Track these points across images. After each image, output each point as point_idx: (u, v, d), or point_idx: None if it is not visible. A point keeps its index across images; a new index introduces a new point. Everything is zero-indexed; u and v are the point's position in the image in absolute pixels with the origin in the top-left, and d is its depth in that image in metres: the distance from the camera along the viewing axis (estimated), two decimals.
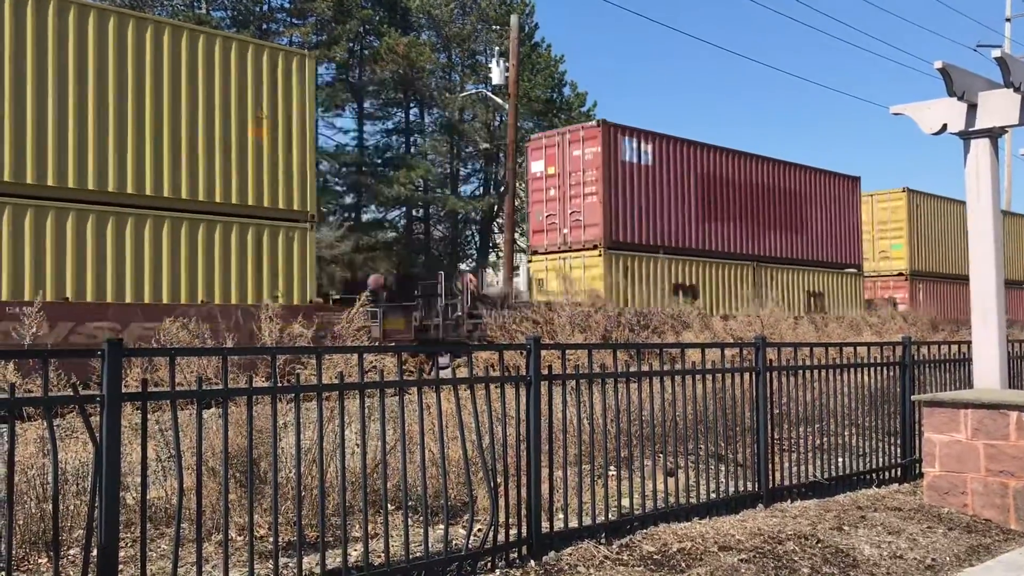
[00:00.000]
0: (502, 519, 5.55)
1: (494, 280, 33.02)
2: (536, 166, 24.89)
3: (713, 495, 7.12)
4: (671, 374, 6.85)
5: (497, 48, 39.10)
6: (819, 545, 6.20)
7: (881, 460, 8.69)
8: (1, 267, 13.67)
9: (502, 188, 34.48)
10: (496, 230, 44.12)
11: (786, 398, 8.06)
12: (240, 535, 5.61)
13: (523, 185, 31.55)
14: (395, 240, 42.75)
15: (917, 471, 8.73)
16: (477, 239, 46.81)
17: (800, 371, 8.05)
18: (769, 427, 7.53)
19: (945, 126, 8.24)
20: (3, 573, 4.55)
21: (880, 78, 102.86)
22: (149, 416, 4.40)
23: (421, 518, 5.33)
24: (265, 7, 44.21)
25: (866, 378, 8.69)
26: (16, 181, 13.95)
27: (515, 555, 5.59)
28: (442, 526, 5.44)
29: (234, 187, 16.39)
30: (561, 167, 23.98)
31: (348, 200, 43.76)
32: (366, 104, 46.24)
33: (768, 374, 7.59)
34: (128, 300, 14.75)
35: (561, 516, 5.99)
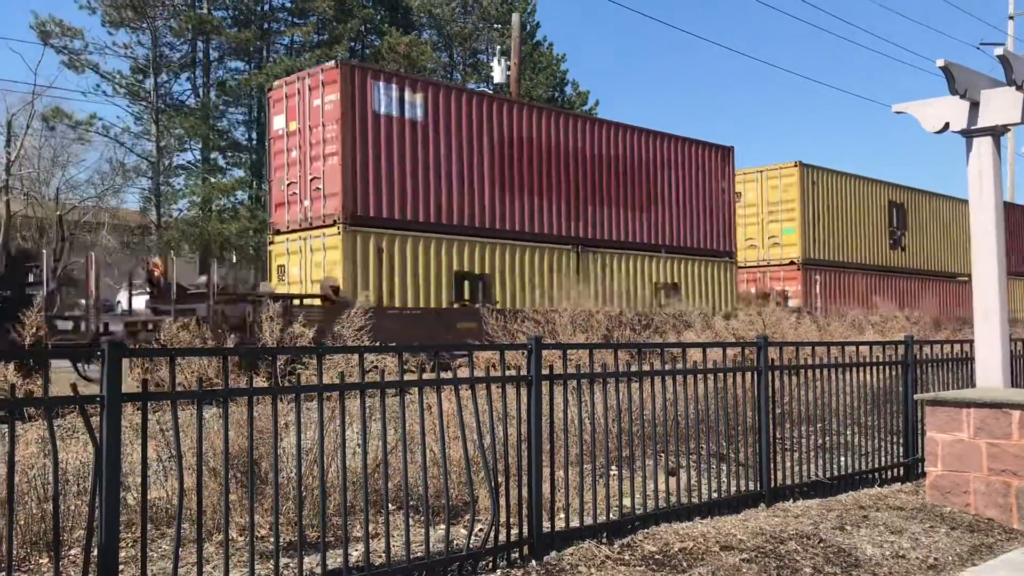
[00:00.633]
0: (503, 519, 5.55)
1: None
2: (278, 121, 19.54)
3: (715, 495, 7.10)
4: (672, 373, 6.84)
5: (499, 47, 39.11)
6: (821, 545, 6.18)
7: (883, 459, 8.68)
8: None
9: None
10: None
11: (788, 397, 8.04)
12: (241, 535, 5.61)
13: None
14: None
15: (920, 470, 8.72)
16: None
17: (802, 370, 8.03)
18: (771, 426, 7.52)
19: (947, 124, 8.22)
20: (4, 573, 4.54)
21: (883, 76, 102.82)
22: (150, 416, 4.40)
23: (422, 518, 5.33)
24: (266, 7, 44.22)
25: (868, 377, 8.68)
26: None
27: (516, 555, 5.59)
28: (443, 526, 5.43)
29: None
30: (302, 121, 18.78)
31: None
32: None
33: (770, 373, 7.57)
34: None
35: (562, 516, 5.98)
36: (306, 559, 4.86)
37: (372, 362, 6.82)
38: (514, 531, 5.62)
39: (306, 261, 18.66)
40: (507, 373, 5.74)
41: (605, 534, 6.02)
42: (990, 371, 8.02)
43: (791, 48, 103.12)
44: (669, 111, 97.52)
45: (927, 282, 34.15)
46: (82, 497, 5.58)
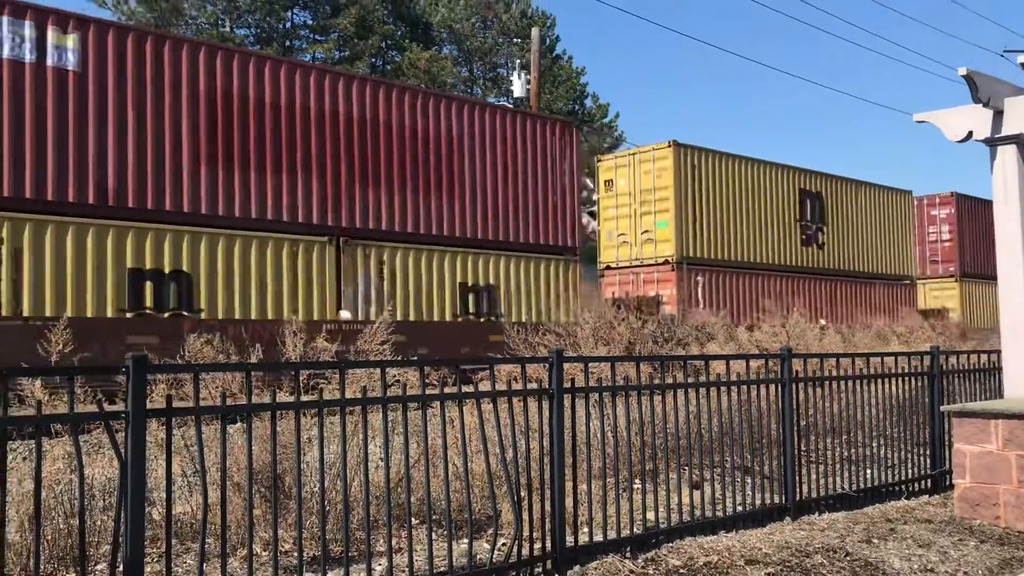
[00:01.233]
0: (526, 533, 5.53)
1: None
2: None
3: (740, 508, 7.05)
4: (696, 386, 6.81)
5: (518, 61, 39.25)
6: (848, 558, 6.12)
7: (910, 471, 8.58)
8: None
9: None
10: None
11: (813, 409, 7.98)
12: (265, 550, 5.62)
13: None
14: None
15: (947, 482, 8.62)
16: None
17: (827, 382, 7.97)
18: (796, 439, 7.46)
19: (971, 133, 8.16)
20: None
21: (905, 84, 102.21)
22: (174, 431, 4.43)
23: (445, 532, 5.32)
24: (288, 24, 44.67)
25: (894, 388, 8.60)
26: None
27: (540, 569, 5.57)
28: (466, 540, 5.42)
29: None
30: None
31: None
32: None
33: (794, 385, 7.52)
34: None
35: (586, 530, 5.95)
36: (329, 573, 4.87)
37: (395, 376, 6.84)
38: (537, 545, 5.60)
39: None
40: (528, 386, 5.73)
41: (629, 548, 5.99)
42: (1019, 381, 7.91)
43: (815, 56, 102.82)
44: (691, 121, 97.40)
45: (854, 285, 29.17)
46: (108, 512, 5.62)
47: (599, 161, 26.63)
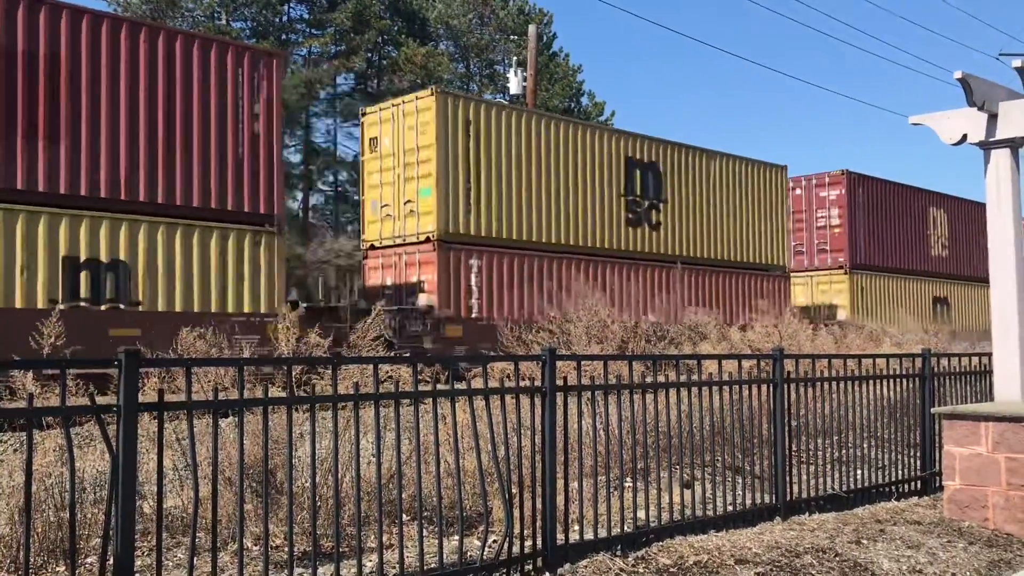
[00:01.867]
0: (517, 530, 5.54)
1: None
2: None
3: (730, 507, 7.07)
4: (688, 385, 6.83)
5: (515, 58, 39.27)
6: (837, 559, 6.14)
7: (900, 473, 8.62)
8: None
9: None
10: None
11: (804, 410, 8.01)
12: (256, 545, 5.63)
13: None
14: None
15: (937, 484, 8.65)
16: None
17: (819, 382, 8.00)
18: (787, 439, 7.48)
19: (965, 136, 8.18)
20: None
21: (900, 87, 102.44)
22: (166, 425, 4.42)
23: (436, 529, 5.33)
24: (284, 18, 44.58)
25: (885, 390, 8.63)
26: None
27: (530, 567, 5.58)
28: (457, 537, 5.43)
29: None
30: None
31: None
32: None
33: (786, 385, 7.55)
34: None
35: (577, 528, 5.96)
36: (320, 569, 4.87)
37: (387, 372, 6.84)
38: (528, 543, 5.61)
39: None
40: (521, 384, 5.74)
41: (620, 547, 6.00)
42: (1009, 384, 7.95)
43: (808, 56, 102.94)
44: (684, 118, 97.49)
45: (701, 275, 24.33)
46: (99, 506, 5.62)
47: (363, 114, 21.46)
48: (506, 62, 47.24)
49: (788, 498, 7.42)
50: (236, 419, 4.69)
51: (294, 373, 4.94)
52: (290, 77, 36.89)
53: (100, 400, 4.20)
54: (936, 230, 33.56)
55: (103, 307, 14.23)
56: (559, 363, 5.93)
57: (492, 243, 19.79)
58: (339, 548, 4.84)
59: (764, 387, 7.48)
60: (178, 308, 14.87)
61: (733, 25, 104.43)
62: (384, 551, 4.98)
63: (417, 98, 19.62)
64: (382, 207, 20.25)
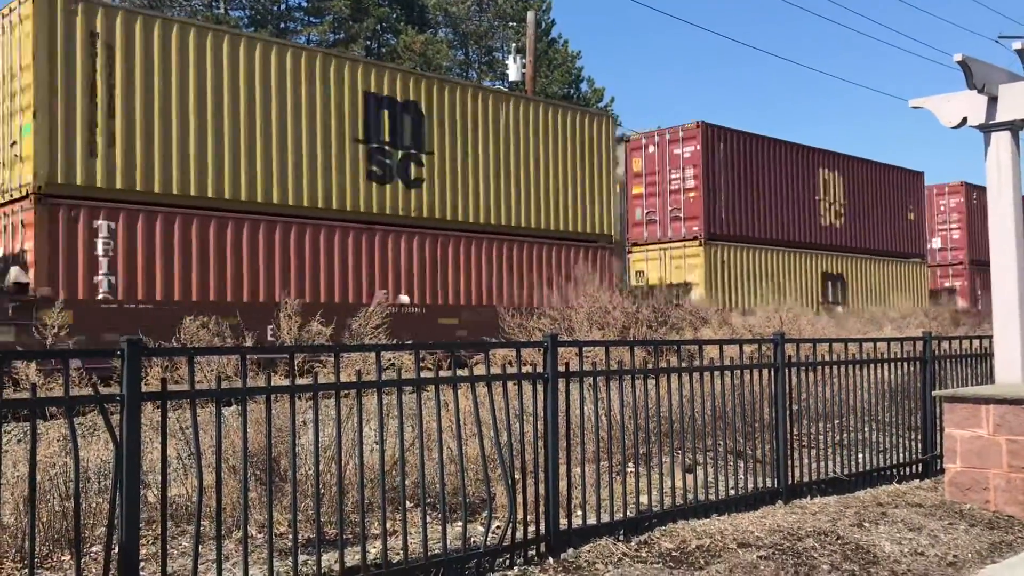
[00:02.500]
0: (520, 516, 5.56)
1: None
2: None
3: (732, 491, 7.09)
4: (689, 370, 6.84)
5: (514, 44, 39.18)
6: (839, 542, 6.17)
7: (902, 456, 8.64)
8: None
9: None
10: None
11: (805, 394, 8.02)
12: (260, 532, 5.65)
13: None
14: None
15: (938, 467, 8.67)
16: None
17: (820, 367, 8.01)
18: (788, 423, 7.50)
19: (965, 119, 8.17)
20: (27, 570, 4.60)
21: (900, 70, 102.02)
22: (169, 414, 4.44)
23: (440, 515, 5.35)
24: (283, 6, 44.45)
25: (886, 373, 8.64)
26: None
27: (533, 552, 5.60)
28: (460, 523, 5.45)
29: None
30: None
31: None
32: None
33: (787, 370, 7.56)
34: None
35: (579, 513, 5.99)
36: (324, 556, 4.90)
37: (390, 360, 6.86)
38: (531, 528, 5.63)
39: None
40: (523, 370, 5.75)
41: (622, 531, 6.03)
42: (1009, 367, 7.96)
43: (809, 41, 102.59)
44: (691, 103, 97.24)
45: (481, 245, 19.49)
46: (103, 495, 5.64)
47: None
48: (505, 49, 47.12)
49: (790, 482, 7.44)
50: (239, 407, 4.70)
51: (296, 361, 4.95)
52: None
53: (103, 390, 4.21)
54: (828, 195, 28.85)
55: None
56: (561, 349, 5.94)
57: (138, 199, 14.95)
58: (343, 535, 4.86)
59: (765, 371, 7.49)
60: None
61: (735, 9, 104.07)
62: (388, 538, 5.01)
63: (20, 2, 14.62)
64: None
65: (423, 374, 5.35)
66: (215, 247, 15.79)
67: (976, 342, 10.00)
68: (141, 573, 4.24)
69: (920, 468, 8.79)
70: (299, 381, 4.83)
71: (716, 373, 7.09)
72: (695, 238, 24.79)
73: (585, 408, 6.20)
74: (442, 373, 5.47)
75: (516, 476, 5.63)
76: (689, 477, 6.82)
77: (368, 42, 44.97)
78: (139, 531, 4.21)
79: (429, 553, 5.09)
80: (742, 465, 7.33)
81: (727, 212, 25.31)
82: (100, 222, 14.56)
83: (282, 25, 43.74)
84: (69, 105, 14.41)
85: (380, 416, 5.03)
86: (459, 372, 5.67)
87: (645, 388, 6.51)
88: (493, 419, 5.48)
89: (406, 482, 5.27)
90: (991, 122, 8.04)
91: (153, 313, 14.35)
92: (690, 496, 6.73)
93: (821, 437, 8.02)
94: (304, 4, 44.85)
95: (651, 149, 25.74)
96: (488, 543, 5.41)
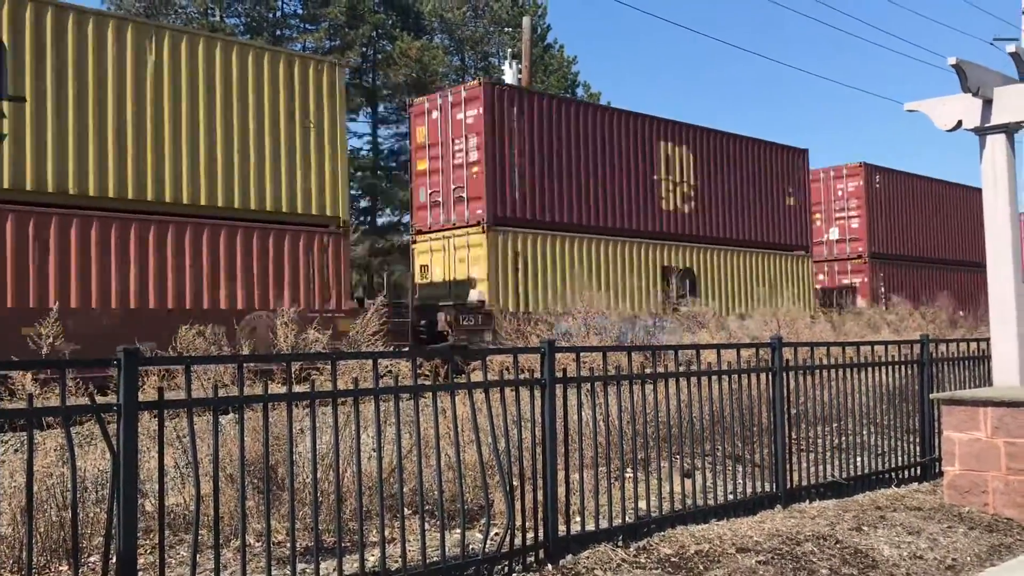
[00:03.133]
0: (519, 522, 5.55)
1: None
2: None
3: (731, 496, 7.09)
4: (687, 375, 6.83)
5: (510, 50, 39.17)
6: (838, 546, 6.16)
7: (900, 459, 8.64)
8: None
9: None
10: None
11: (803, 398, 8.02)
12: (258, 541, 5.64)
13: None
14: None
15: (937, 470, 8.67)
16: None
17: (817, 370, 8.01)
18: (786, 427, 7.49)
19: (960, 122, 8.18)
20: None
21: (894, 74, 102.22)
22: (166, 423, 4.43)
23: (438, 522, 5.34)
24: (278, 14, 44.46)
25: (884, 376, 8.64)
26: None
27: (532, 558, 5.59)
28: (459, 530, 5.44)
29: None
30: None
31: (363, 204, 44.04)
32: (380, 108, 46.44)
33: (785, 374, 7.56)
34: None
35: (578, 519, 5.98)
36: (322, 564, 4.88)
37: (386, 367, 6.85)
38: (530, 535, 5.62)
39: None
40: (521, 376, 5.75)
41: (621, 537, 6.02)
42: (1007, 369, 7.96)
43: (804, 44, 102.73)
44: (683, 109, 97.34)
45: (128, 229, 14.58)
46: (101, 505, 5.63)
47: None
48: (501, 54, 47.13)
49: (788, 486, 7.44)
50: (236, 416, 4.70)
51: (293, 369, 4.96)
52: None
53: (100, 399, 4.20)
54: (672, 174, 24.11)
55: None
56: (558, 355, 5.94)
57: None
58: (341, 543, 4.85)
59: (763, 376, 7.49)
60: None
61: (727, 11, 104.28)
62: (387, 545, 4.99)
63: None
64: None
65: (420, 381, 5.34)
66: None
67: (974, 345, 10.01)
68: None
69: (919, 471, 8.78)
70: (296, 389, 4.82)
71: (714, 378, 7.08)
72: (478, 223, 20.11)
73: (583, 414, 6.20)
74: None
75: (514, 482, 5.63)
76: (688, 482, 6.82)
77: (364, 49, 44.98)
78: (137, 540, 4.20)
79: (428, 561, 5.08)
80: (740, 470, 7.32)
81: (522, 192, 20.55)
82: None
83: (277, 33, 43.75)
84: None
85: (378, 423, 5.02)
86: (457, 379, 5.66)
87: (643, 393, 6.51)
88: (491, 426, 5.48)
89: (404, 489, 5.26)
90: (986, 125, 8.06)
91: None
92: (689, 501, 6.72)
93: (819, 441, 8.02)
94: (300, 11, 44.88)
95: (434, 115, 21.20)
96: (487, 550, 5.40)
